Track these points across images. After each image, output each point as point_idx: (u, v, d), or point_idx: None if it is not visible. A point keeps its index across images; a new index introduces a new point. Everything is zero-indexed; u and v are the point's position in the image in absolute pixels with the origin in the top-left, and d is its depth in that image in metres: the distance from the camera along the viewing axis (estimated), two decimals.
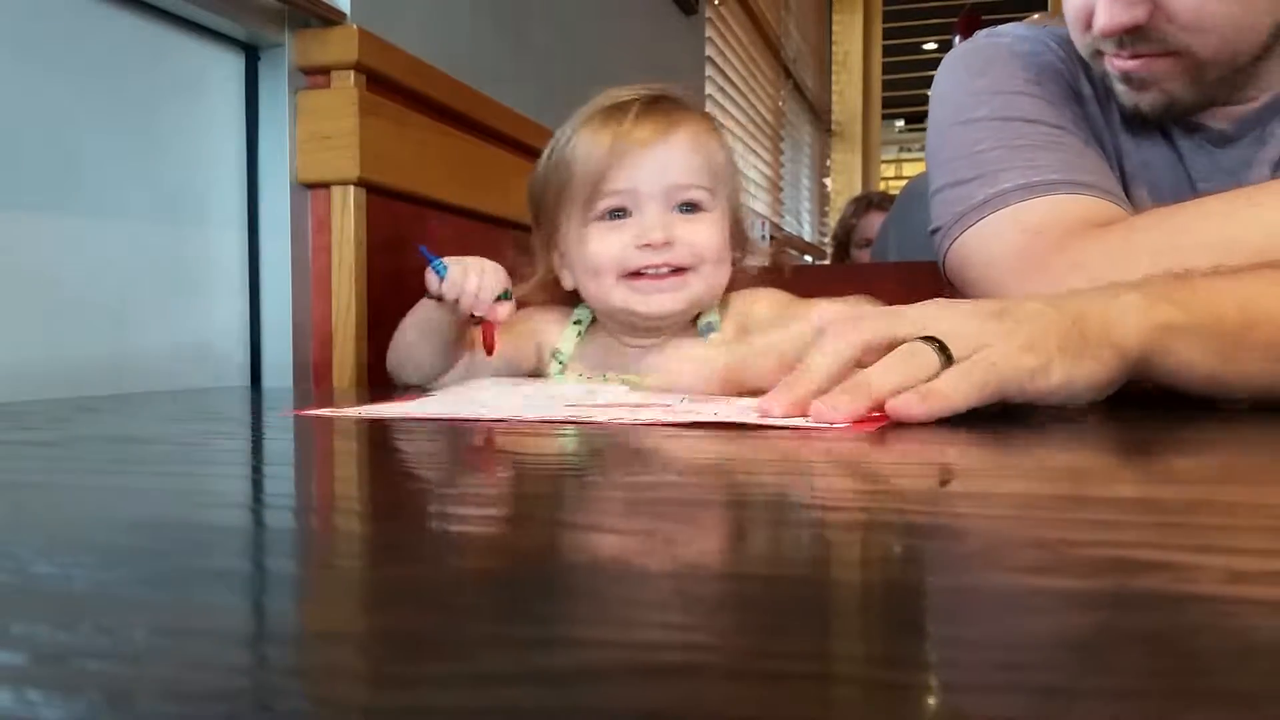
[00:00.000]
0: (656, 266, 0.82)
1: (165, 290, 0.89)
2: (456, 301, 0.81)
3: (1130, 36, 0.68)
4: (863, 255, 2.48)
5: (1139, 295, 0.50)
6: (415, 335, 0.87)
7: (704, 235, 0.82)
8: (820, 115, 4.39)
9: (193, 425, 0.55)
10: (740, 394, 0.57)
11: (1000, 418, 0.47)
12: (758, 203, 3.34)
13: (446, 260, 0.80)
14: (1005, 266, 0.70)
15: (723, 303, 0.89)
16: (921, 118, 0.98)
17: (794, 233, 3.91)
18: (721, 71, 2.76)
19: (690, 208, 0.83)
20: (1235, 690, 0.13)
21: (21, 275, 0.76)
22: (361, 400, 0.69)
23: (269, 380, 0.99)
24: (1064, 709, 0.12)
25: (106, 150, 0.83)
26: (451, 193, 1.15)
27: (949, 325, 0.49)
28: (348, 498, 0.32)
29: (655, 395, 0.66)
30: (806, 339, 0.52)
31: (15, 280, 0.75)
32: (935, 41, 5.09)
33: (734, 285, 0.90)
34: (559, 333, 0.92)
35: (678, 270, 0.82)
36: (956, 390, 0.45)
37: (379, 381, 0.99)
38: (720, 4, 2.69)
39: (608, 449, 0.42)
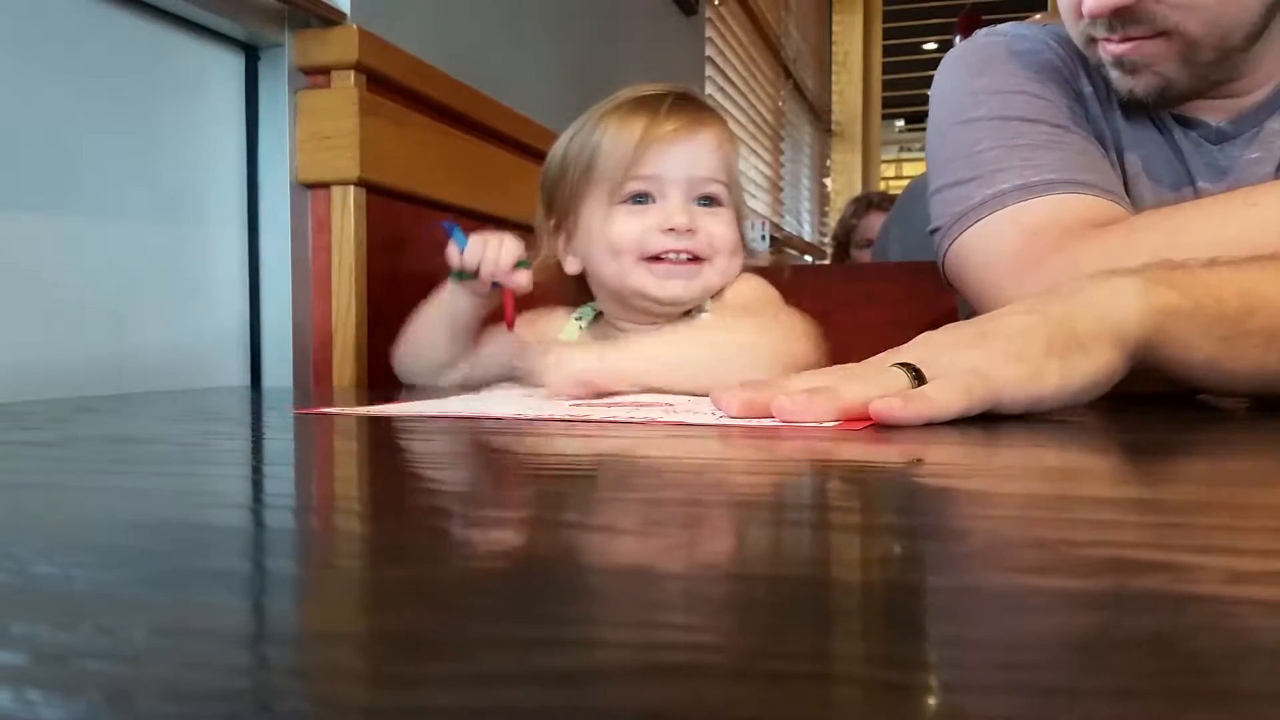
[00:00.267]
0: (677, 252, 0.84)
1: (165, 290, 0.89)
2: (476, 276, 0.84)
3: (1120, 19, 0.68)
4: (863, 256, 2.48)
5: (1137, 280, 0.50)
6: (428, 320, 0.90)
7: (721, 228, 0.85)
8: (820, 115, 4.39)
9: (192, 425, 0.55)
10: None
11: (999, 418, 0.47)
12: (758, 203, 3.34)
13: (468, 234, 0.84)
14: (1004, 266, 0.70)
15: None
16: (921, 118, 0.98)
17: (794, 233, 3.91)
18: (721, 71, 2.76)
19: (709, 201, 0.85)
20: (1235, 690, 0.13)
21: (21, 275, 0.76)
22: (361, 400, 0.69)
23: (269, 380, 0.99)
24: (1064, 709, 0.12)
25: (106, 150, 0.83)
26: (451, 193, 1.15)
27: (926, 353, 0.49)
28: (348, 498, 0.32)
29: (655, 395, 0.66)
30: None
31: (15, 280, 0.75)
32: (935, 41, 5.09)
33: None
34: (561, 330, 0.93)
35: (695, 259, 0.84)
36: (942, 395, 0.45)
37: (379, 381, 0.99)
38: (720, 4, 2.69)
39: (607, 448, 0.42)
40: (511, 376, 0.91)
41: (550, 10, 1.50)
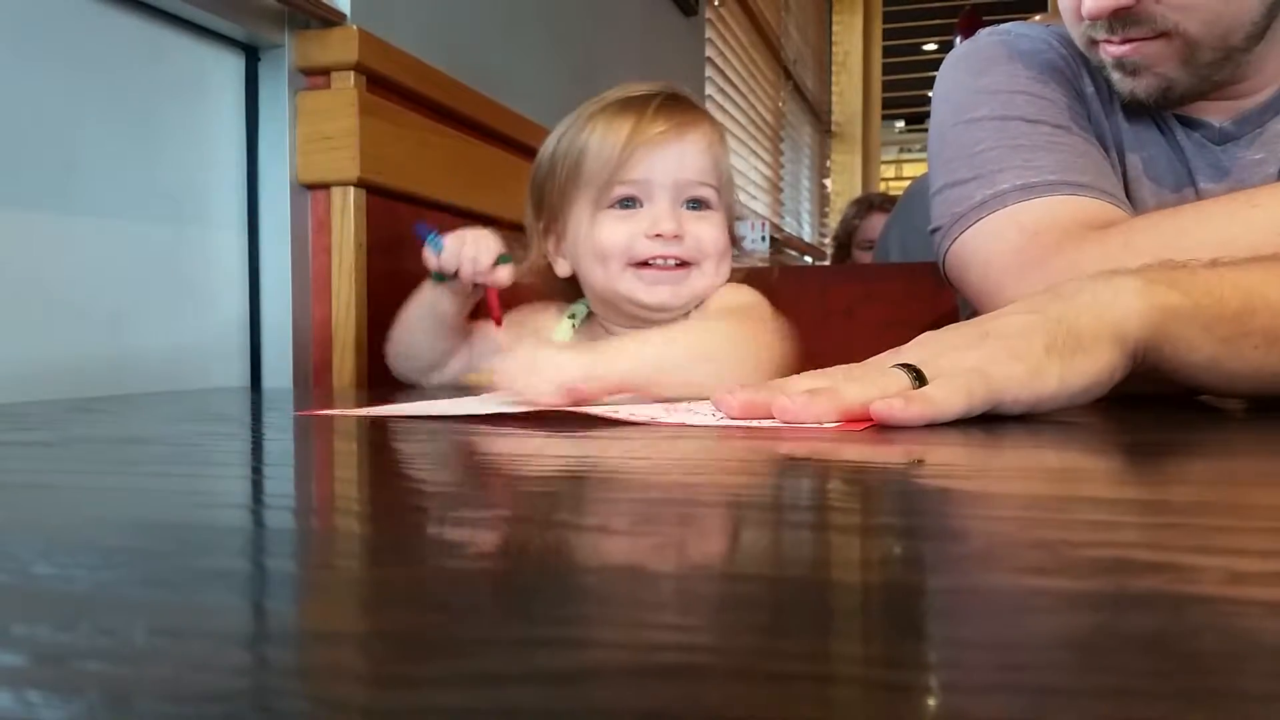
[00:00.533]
0: (665, 258, 0.83)
1: (165, 290, 0.89)
2: (456, 277, 0.83)
3: (1120, 21, 0.68)
4: (864, 256, 2.48)
5: (1137, 280, 0.49)
6: (414, 320, 0.89)
7: (710, 232, 0.84)
8: (820, 116, 4.39)
9: (192, 425, 0.55)
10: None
11: (1000, 418, 0.47)
12: (757, 203, 3.34)
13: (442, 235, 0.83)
14: (1004, 267, 0.70)
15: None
16: (922, 118, 0.98)
17: (794, 233, 3.91)
18: (721, 72, 2.76)
19: (698, 204, 0.84)
20: (1235, 690, 0.13)
21: (21, 275, 0.76)
22: (361, 401, 0.69)
23: (269, 381, 0.99)
24: (1064, 709, 0.12)
25: (106, 150, 0.83)
26: (451, 193, 1.15)
27: (927, 353, 0.49)
28: (347, 498, 0.32)
29: (653, 394, 0.65)
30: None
31: (15, 280, 0.75)
32: (935, 42, 5.09)
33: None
34: (554, 327, 0.93)
35: (683, 264, 0.84)
36: (943, 395, 0.45)
37: (379, 381, 0.99)
38: (720, 5, 2.70)
39: (608, 449, 0.42)
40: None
41: (550, 11, 1.50)
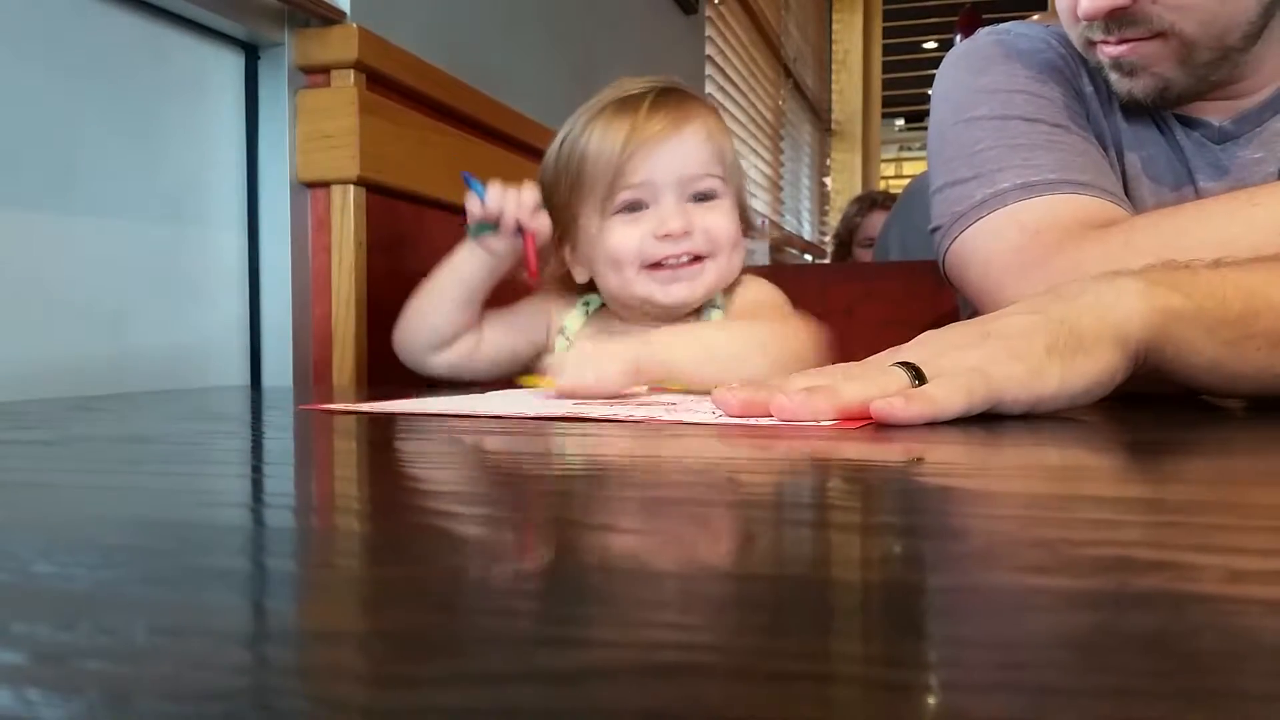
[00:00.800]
0: (677, 256, 0.83)
1: (165, 290, 0.89)
2: (497, 228, 0.84)
3: (1116, 21, 0.68)
4: (865, 254, 2.48)
5: (1140, 281, 0.49)
6: (440, 285, 0.89)
7: (719, 222, 0.84)
8: (820, 114, 4.39)
9: (192, 424, 0.55)
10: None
11: (1000, 417, 0.47)
12: (758, 202, 3.34)
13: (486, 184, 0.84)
14: (1004, 266, 0.70)
15: (725, 289, 0.91)
16: (922, 117, 0.98)
17: (794, 231, 3.91)
18: (721, 71, 2.75)
19: (704, 196, 0.85)
20: (1235, 690, 0.13)
21: (21, 275, 0.76)
22: (361, 399, 0.69)
23: (269, 380, 0.99)
24: (1064, 708, 0.12)
25: (106, 150, 0.83)
26: (451, 191, 1.14)
27: (928, 352, 0.49)
28: (348, 497, 0.32)
29: (656, 394, 0.66)
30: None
31: (15, 280, 0.75)
32: (935, 40, 5.09)
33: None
34: (568, 312, 0.93)
35: (696, 258, 0.84)
36: (943, 394, 0.45)
37: (379, 380, 0.99)
38: (720, 3, 2.69)
39: (607, 447, 0.42)
40: (520, 345, 0.92)
41: (550, 9, 1.50)
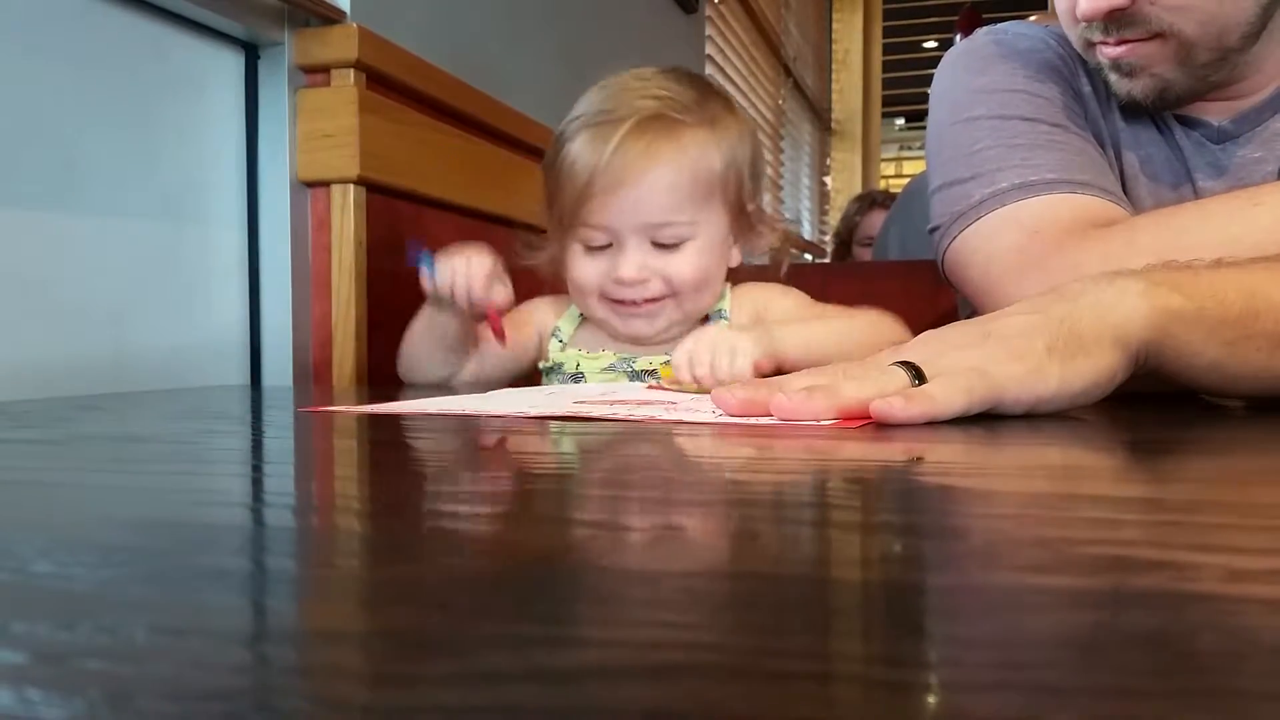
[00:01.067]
0: (634, 299, 0.84)
1: (165, 288, 0.89)
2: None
3: (1115, 23, 0.68)
4: (864, 253, 2.48)
5: (1141, 282, 0.49)
6: (420, 338, 0.89)
7: (681, 268, 0.83)
8: (820, 114, 4.39)
9: (192, 424, 0.55)
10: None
11: (1001, 416, 0.47)
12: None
13: (436, 257, 0.82)
14: (1003, 266, 0.70)
15: (732, 295, 0.91)
16: (922, 116, 0.98)
17: (793, 230, 3.90)
18: (721, 70, 2.75)
19: (668, 242, 0.83)
20: (1235, 689, 0.13)
21: (21, 274, 0.76)
22: (361, 399, 0.69)
23: (268, 379, 0.99)
24: (1063, 708, 0.12)
25: (106, 149, 0.83)
26: (451, 191, 1.15)
27: (927, 352, 0.49)
28: (348, 496, 0.32)
29: (657, 394, 0.66)
30: None
31: (15, 280, 0.75)
32: (935, 40, 5.09)
33: (738, 277, 0.91)
34: (558, 316, 0.94)
35: (654, 298, 0.84)
36: (943, 394, 0.45)
37: (378, 380, 0.99)
38: (720, 2, 2.69)
39: (608, 446, 0.42)
40: (515, 360, 0.92)
41: (550, 8, 1.50)
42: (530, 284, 0.94)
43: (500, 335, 0.84)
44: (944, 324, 0.55)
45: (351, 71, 0.98)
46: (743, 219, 0.88)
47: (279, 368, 0.99)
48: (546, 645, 0.15)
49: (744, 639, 0.15)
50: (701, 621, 0.16)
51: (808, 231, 4.22)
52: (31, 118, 0.77)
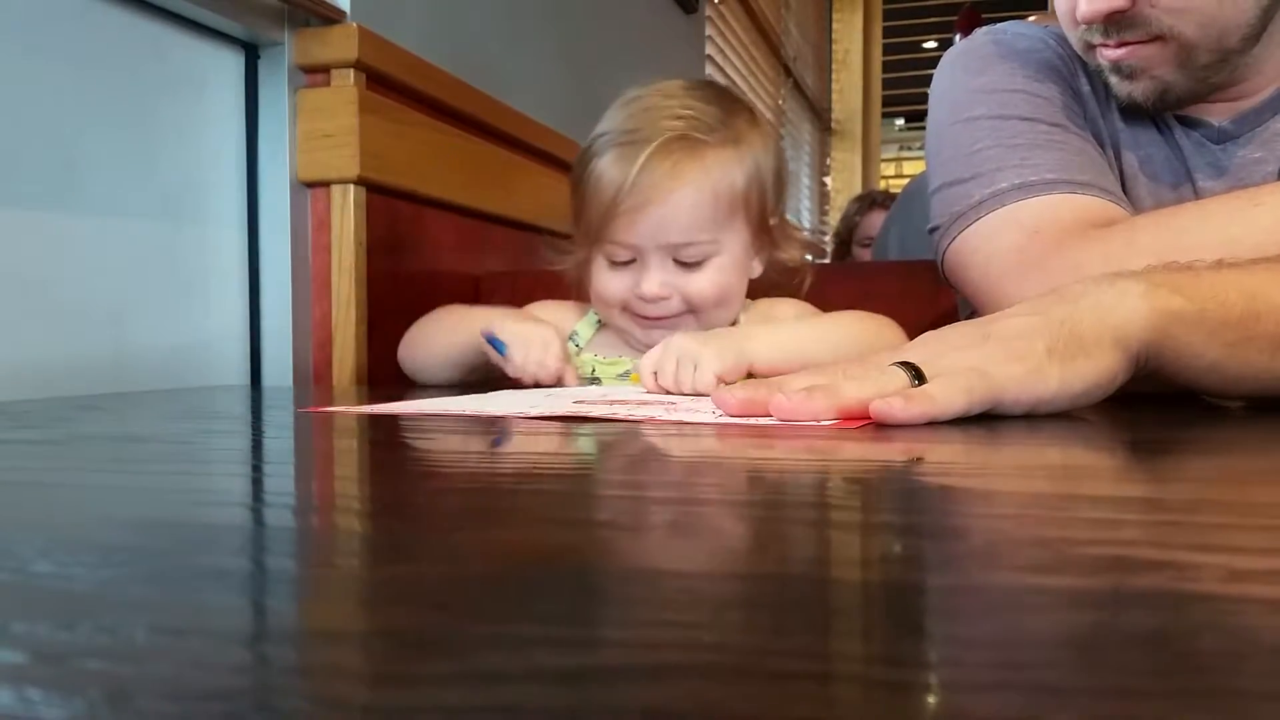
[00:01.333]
0: (656, 313, 0.86)
1: (165, 288, 0.89)
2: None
3: (1115, 25, 0.68)
4: (864, 253, 2.48)
5: (1141, 283, 0.49)
6: (441, 352, 0.90)
7: (702, 285, 0.85)
8: (820, 114, 4.39)
9: (192, 424, 0.55)
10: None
11: (1001, 416, 0.47)
12: None
13: (506, 338, 0.81)
14: (1003, 266, 0.70)
15: (745, 308, 0.93)
16: (921, 116, 0.98)
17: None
18: (721, 70, 2.75)
19: (690, 260, 0.84)
20: (1235, 689, 0.13)
21: (21, 274, 0.76)
22: (361, 399, 0.69)
23: (268, 379, 0.99)
24: (1063, 708, 0.12)
25: (106, 149, 0.83)
26: (451, 191, 1.15)
27: (927, 352, 0.49)
28: (348, 496, 0.32)
29: (657, 394, 0.66)
30: None
31: (15, 280, 0.75)
32: (935, 40, 5.09)
33: (755, 292, 0.93)
34: (576, 320, 0.95)
35: (674, 315, 0.86)
36: (943, 394, 0.45)
37: (378, 380, 0.99)
38: (720, 2, 2.69)
39: (608, 447, 0.42)
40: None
41: (550, 8, 1.50)
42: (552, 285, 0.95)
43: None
44: (944, 324, 0.55)
45: (351, 71, 0.98)
46: (764, 234, 0.89)
47: (279, 368, 0.99)
48: (546, 645, 0.15)
49: (744, 639, 0.15)
50: (701, 621, 0.16)
51: (807, 232, 4.22)
52: (31, 118, 0.77)
